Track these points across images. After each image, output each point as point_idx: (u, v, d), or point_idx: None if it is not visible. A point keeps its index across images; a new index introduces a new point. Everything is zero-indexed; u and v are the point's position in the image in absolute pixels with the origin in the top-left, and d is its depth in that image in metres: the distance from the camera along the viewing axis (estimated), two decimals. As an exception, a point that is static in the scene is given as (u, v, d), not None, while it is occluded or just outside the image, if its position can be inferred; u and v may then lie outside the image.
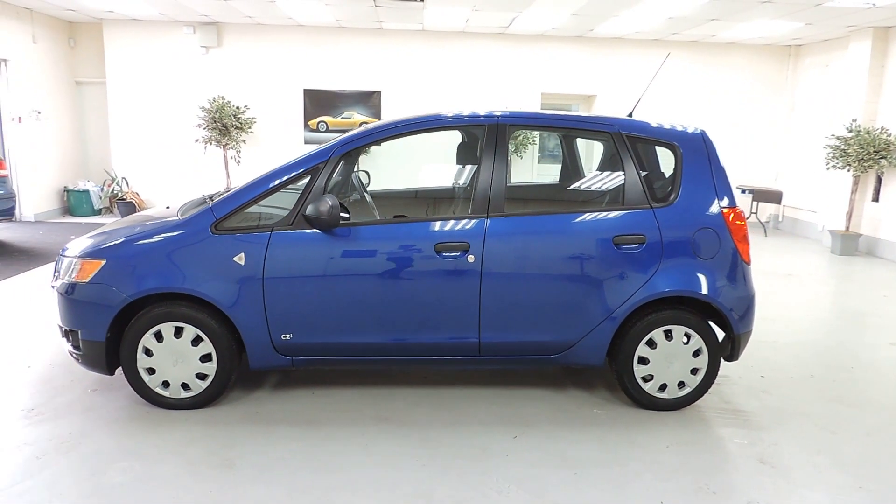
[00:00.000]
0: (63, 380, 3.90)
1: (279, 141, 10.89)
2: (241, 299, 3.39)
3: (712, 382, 3.67)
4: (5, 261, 7.11)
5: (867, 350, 4.87)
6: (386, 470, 2.98)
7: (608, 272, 3.47)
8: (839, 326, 5.50)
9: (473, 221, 3.46)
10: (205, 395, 3.51)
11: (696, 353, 3.60)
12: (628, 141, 3.60)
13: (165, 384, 3.49)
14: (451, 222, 3.48)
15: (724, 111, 11.17)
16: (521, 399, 3.78)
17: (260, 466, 2.98)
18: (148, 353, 3.44)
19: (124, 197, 10.63)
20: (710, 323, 3.67)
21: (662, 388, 3.63)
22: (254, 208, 3.49)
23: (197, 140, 10.38)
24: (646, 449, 3.23)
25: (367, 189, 4.91)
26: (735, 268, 3.57)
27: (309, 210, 3.33)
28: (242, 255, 3.37)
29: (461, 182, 4.88)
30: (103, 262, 3.41)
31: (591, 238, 3.47)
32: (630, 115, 4.16)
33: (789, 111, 11.12)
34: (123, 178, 10.87)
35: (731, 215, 3.56)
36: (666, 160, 3.74)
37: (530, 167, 11.40)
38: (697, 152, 3.60)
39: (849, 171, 8.79)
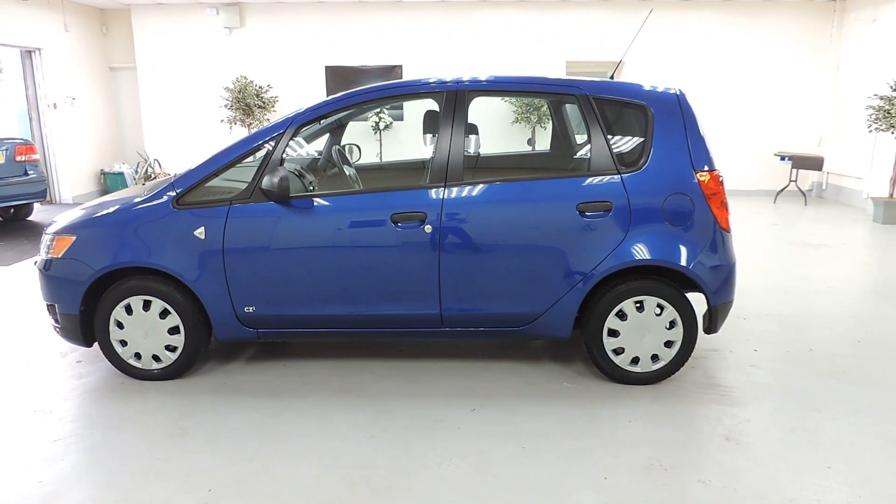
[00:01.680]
0: (55, 352, 4.06)
1: (303, 119, 10.96)
2: (204, 273, 3.43)
3: (689, 356, 3.51)
4: (35, 241, 7.46)
5: (882, 325, 4.55)
6: (333, 441, 2.98)
7: (571, 241, 3.34)
8: (860, 300, 5.16)
9: (430, 191, 3.38)
10: (175, 366, 3.59)
11: (671, 326, 3.44)
12: (595, 103, 3.42)
13: (138, 356, 3.59)
14: (409, 192, 3.41)
15: (762, 73, 10.58)
16: (492, 372, 3.72)
17: (212, 435, 3.03)
18: (120, 325, 3.54)
19: (156, 178, 10.96)
20: (688, 295, 3.50)
21: (635, 361, 3.49)
22: (215, 182, 3.51)
23: (222, 120, 10.58)
24: (606, 424, 3.12)
25: (354, 163, 4.89)
26: (711, 235, 3.37)
27: (264, 183, 3.33)
28: (203, 228, 3.41)
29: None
30: (74, 237, 3.51)
31: (553, 205, 3.34)
32: (611, 77, 3.97)
33: (833, 71, 10.43)
34: (156, 159, 11.20)
35: (707, 180, 3.35)
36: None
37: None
38: (670, 114, 3.40)
39: (893, 133, 8.19)
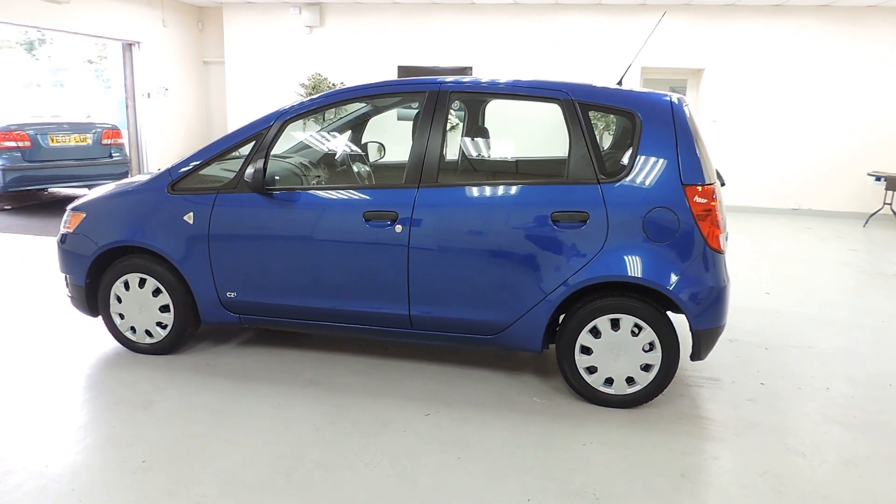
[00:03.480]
0: (73, 321, 4.39)
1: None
2: (191, 256, 3.59)
3: (668, 381, 3.27)
4: (110, 218, 8.10)
5: (930, 369, 4.04)
6: (278, 429, 3.03)
7: (543, 251, 3.20)
8: (916, 339, 4.59)
9: (404, 191, 3.35)
10: (165, 342, 3.78)
11: (650, 348, 3.22)
12: (580, 108, 3.27)
13: (133, 329, 3.81)
14: (383, 191, 3.41)
15: (858, 85, 9.66)
16: (465, 379, 3.64)
17: (171, 411, 3.17)
18: (119, 300, 3.78)
19: (235, 167, 11.60)
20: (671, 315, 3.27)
21: (609, 382, 3.30)
22: (208, 171, 3.67)
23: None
24: (557, 444, 2.97)
25: (376, 160, 4.94)
26: (697, 254, 3.13)
27: (246, 174, 3.44)
28: (192, 214, 3.57)
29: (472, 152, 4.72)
30: (84, 215, 3.79)
31: (525, 213, 3.22)
32: (619, 83, 3.77)
33: (948, 86, 9.35)
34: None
35: (696, 195, 3.11)
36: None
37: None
38: (660, 122, 3.18)
39: None
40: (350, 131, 4.74)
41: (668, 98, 3.24)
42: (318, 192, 3.51)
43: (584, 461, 2.84)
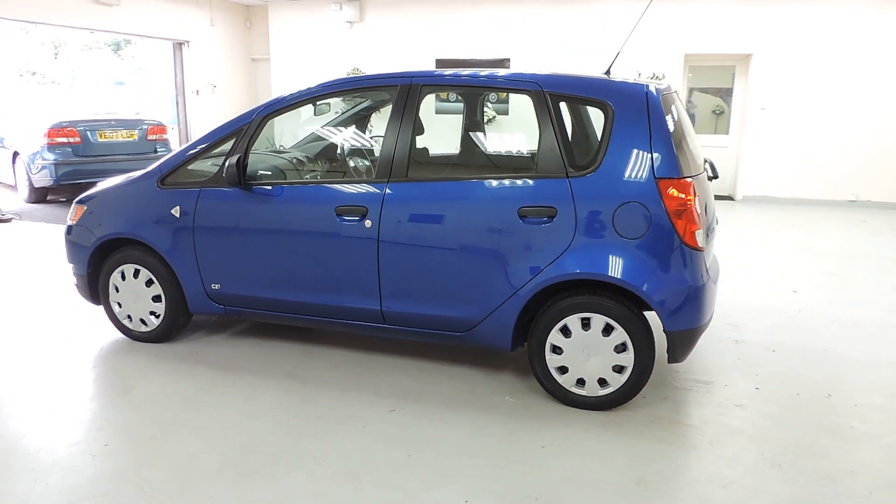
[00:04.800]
0: (84, 309, 4.60)
1: (411, 110, 11.25)
2: (178, 248, 3.71)
3: (643, 384, 3.13)
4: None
5: (957, 378, 3.69)
6: (242, 420, 3.08)
7: (511, 247, 3.12)
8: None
9: (374, 186, 3.34)
10: (158, 331, 3.92)
11: (623, 349, 3.08)
12: (550, 99, 3.15)
13: (130, 318, 3.98)
14: (354, 186, 3.41)
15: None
16: (441, 375, 3.59)
17: (148, 397, 3.29)
18: (116, 289, 3.95)
19: (279, 161, 11.91)
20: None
21: (580, 383, 3.19)
22: (196, 166, 3.77)
23: (336, 112, 11.17)
24: (515, 446, 2.89)
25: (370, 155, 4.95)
26: (670, 251, 2.97)
27: (225, 168, 3.52)
28: (178, 207, 3.68)
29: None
30: (86, 207, 3.97)
31: (493, 208, 3.14)
32: (607, 71, 3.62)
33: None
34: (281, 145, 12.14)
35: (669, 188, 2.95)
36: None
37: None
38: (634, 112, 3.02)
39: None
40: (353, 126, 4.77)
41: (643, 87, 3.08)
42: (294, 186, 3.55)
43: (538, 464, 2.76)
